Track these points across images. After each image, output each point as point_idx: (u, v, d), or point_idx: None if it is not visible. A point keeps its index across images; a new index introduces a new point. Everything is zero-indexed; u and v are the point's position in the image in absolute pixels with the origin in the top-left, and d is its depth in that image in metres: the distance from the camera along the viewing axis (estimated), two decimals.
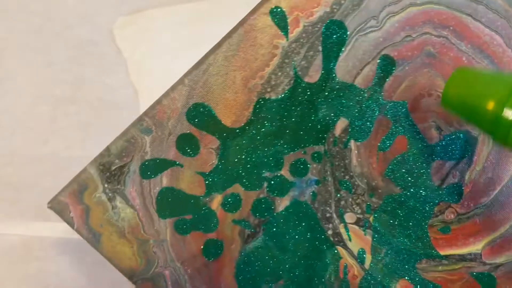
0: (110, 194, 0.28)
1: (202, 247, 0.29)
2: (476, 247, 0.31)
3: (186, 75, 0.29)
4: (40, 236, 0.44)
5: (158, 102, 0.29)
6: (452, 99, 0.24)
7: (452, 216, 0.31)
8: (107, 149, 0.28)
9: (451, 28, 0.29)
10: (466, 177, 0.31)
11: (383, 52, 0.29)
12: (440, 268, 0.31)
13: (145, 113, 0.28)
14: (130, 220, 0.28)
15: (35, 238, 0.44)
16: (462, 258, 0.32)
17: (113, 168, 0.28)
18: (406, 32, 0.29)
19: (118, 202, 0.28)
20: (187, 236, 0.28)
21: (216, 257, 0.29)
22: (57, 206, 0.28)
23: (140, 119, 0.28)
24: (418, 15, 0.29)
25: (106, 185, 0.28)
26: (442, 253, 0.31)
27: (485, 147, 0.30)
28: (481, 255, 0.31)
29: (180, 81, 0.29)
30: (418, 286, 0.31)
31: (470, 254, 0.31)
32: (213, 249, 0.29)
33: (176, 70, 0.47)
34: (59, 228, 0.44)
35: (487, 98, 0.22)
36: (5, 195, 0.45)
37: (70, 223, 0.28)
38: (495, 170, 0.30)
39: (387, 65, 0.29)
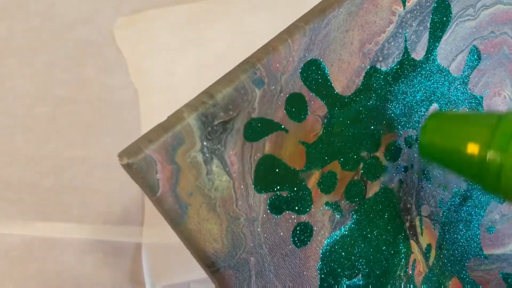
0: (207, 155, 0.21)
1: (292, 231, 0.25)
2: (509, 247, 0.32)
3: (305, 21, 0.24)
4: (40, 236, 0.44)
5: (273, 47, 0.23)
6: (429, 146, 0.23)
7: (497, 216, 0.31)
8: (211, 96, 0.22)
9: None
10: None
11: (473, 43, 0.29)
12: (482, 267, 0.31)
13: (257, 59, 0.22)
14: (224, 191, 0.22)
15: (35, 238, 0.44)
16: (498, 258, 0.32)
17: (216, 122, 0.21)
18: (492, 28, 0.30)
19: (215, 166, 0.22)
20: (280, 216, 0.24)
21: (304, 244, 0.25)
22: (141, 163, 0.20)
23: (252, 65, 0.22)
24: (503, 14, 0.30)
25: (205, 143, 0.21)
26: (486, 252, 0.31)
27: None
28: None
29: (299, 28, 0.24)
30: (468, 286, 0.31)
31: (504, 254, 0.32)
32: (303, 235, 0.25)
33: (176, 70, 0.47)
34: (59, 228, 0.45)
35: (467, 141, 0.20)
36: (5, 195, 0.44)
37: (153, 188, 0.20)
38: None
39: (475, 57, 0.30)
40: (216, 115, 0.21)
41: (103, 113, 0.45)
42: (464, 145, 0.21)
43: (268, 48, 0.23)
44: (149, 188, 0.20)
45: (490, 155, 0.19)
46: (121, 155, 0.20)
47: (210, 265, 0.23)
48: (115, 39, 0.46)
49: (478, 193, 0.31)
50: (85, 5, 0.46)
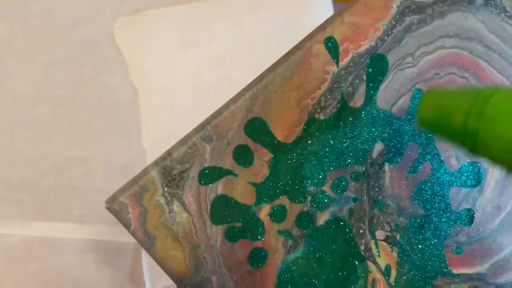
0: (168, 198, 0.28)
1: (248, 255, 0.30)
2: (482, 267, 0.34)
3: (246, 90, 0.30)
4: (40, 236, 0.44)
5: (220, 112, 0.30)
6: (425, 118, 0.26)
7: (464, 238, 0.34)
8: (169, 153, 0.29)
9: (472, 71, 0.34)
10: (477, 203, 0.34)
11: (416, 86, 0.33)
12: (452, 286, 0.34)
13: (207, 122, 0.29)
14: (185, 225, 0.29)
15: (35, 238, 0.44)
16: (470, 277, 0.34)
17: (174, 172, 0.28)
18: (436, 70, 0.33)
19: (175, 206, 0.28)
20: (236, 243, 0.30)
21: (260, 266, 0.30)
22: (116, 207, 0.28)
23: (202, 127, 0.29)
24: (446, 57, 0.33)
25: (166, 189, 0.28)
26: (454, 271, 0.34)
27: (494, 178, 0.34)
28: (486, 275, 0.34)
29: (241, 95, 0.30)
30: None
31: (477, 273, 0.34)
32: (258, 257, 0.30)
33: (176, 70, 0.47)
34: (59, 228, 0.45)
35: (453, 113, 0.24)
36: (5, 195, 0.45)
37: (127, 225, 0.28)
38: (501, 199, 0.34)
39: (419, 97, 0.33)
40: (174, 167, 0.29)
41: (103, 113, 0.45)
42: (450, 116, 0.24)
43: (216, 114, 0.29)
44: (124, 224, 0.28)
45: (469, 122, 0.23)
46: (105, 201, 0.28)
47: (178, 283, 0.29)
48: (115, 39, 0.46)
49: (439, 217, 0.34)
50: (85, 5, 0.46)
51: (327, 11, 0.48)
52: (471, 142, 0.23)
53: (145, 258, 0.45)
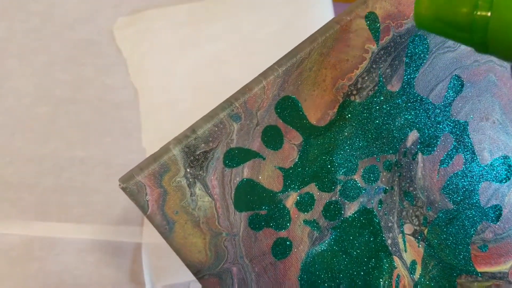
0: (190, 180, 0.25)
1: (272, 245, 0.28)
2: (505, 266, 0.33)
3: (279, 64, 0.27)
4: (40, 236, 0.44)
5: (249, 88, 0.27)
6: (424, 14, 0.23)
7: (490, 235, 0.32)
8: (193, 130, 0.26)
9: None
10: (506, 199, 0.32)
11: (454, 72, 0.31)
12: (475, 284, 0.32)
13: (235, 98, 0.26)
14: (207, 210, 0.26)
15: (36, 238, 0.44)
16: (493, 275, 0.33)
17: (198, 152, 0.25)
18: (475, 58, 0.31)
19: (198, 189, 0.26)
20: (260, 232, 0.27)
21: (284, 257, 0.28)
22: (133, 187, 0.25)
23: (230, 104, 0.26)
24: None
25: (188, 170, 0.25)
26: (478, 270, 0.32)
27: None
28: (508, 274, 0.33)
29: (273, 70, 0.27)
30: None
31: (500, 272, 0.33)
32: (282, 248, 0.28)
33: (176, 69, 0.47)
34: (59, 228, 0.45)
35: (458, 3, 0.21)
36: (5, 195, 0.45)
37: (144, 208, 0.25)
38: None
39: (457, 85, 0.31)
40: (198, 146, 0.25)
41: (103, 113, 0.45)
42: (455, 7, 0.22)
43: (245, 89, 0.26)
44: (141, 207, 0.25)
45: (477, 13, 0.20)
46: (119, 180, 0.25)
47: (196, 273, 0.26)
48: (114, 39, 0.46)
49: (468, 212, 0.32)
50: (85, 5, 0.46)
51: (327, 11, 0.48)
52: (481, 35, 0.21)
53: (145, 258, 0.45)
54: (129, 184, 0.25)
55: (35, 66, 0.46)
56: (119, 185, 0.25)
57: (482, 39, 0.21)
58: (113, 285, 0.45)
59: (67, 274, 0.44)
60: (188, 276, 0.45)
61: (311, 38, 0.28)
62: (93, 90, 0.46)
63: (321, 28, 0.28)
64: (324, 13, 0.48)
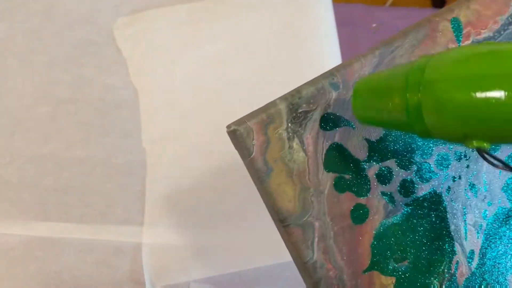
0: (290, 134, 0.29)
1: (351, 209, 0.30)
2: None
3: (377, 47, 0.31)
4: (40, 236, 0.44)
5: (350, 64, 0.30)
6: (361, 111, 0.26)
7: None
8: (298, 91, 0.29)
9: None
10: None
11: None
12: None
13: (336, 69, 0.30)
14: (300, 164, 0.29)
15: (35, 238, 0.44)
16: None
17: (300, 110, 0.29)
18: None
19: (295, 143, 0.29)
20: (342, 194, 0.30)
21: (361, 223, 0.30)
22: (243, 131, 0.28)
23: (331, 74, 0.30)
24: None
25: (289, 124, 0.29)
26: None
27: None
28: None
29: (371, 52, 0.31)
30: None
31: None
32: (360, 214, 0.30)
33: (176, 69, 0.47)
34: (59, 228, 0.45)
35: (390, 94, 0.23)
36: (5, 195, 0.45)
37: (249, 151, 0.28)
38: None
39: None
40: (300, 105, 0.29)
41: (103, 113, 0.45)
42: (387, 98, 0.24)
43: (346, 63, 0.30)
44: (246, 150, 0.28)
45: (409, 97, 0.22)
46: (229, 125, 0.28)
47: (283, 220, 0.28)
48: (115, 39, 0.46)
49: None
50: (85, 5, 0.46)
51: (327, 11, 0.48)
52: (417, 118, 0.22)
53: (145, 258, 0.45)
54: (240, 127, 0.27)
55: (35, 66, 0.46)
56: (229, 128, 0.27)
57: (419, 123, 0.22)
58: (113, 285, 0.45)
59: (67, 274, 0.44)
60: (188, 276, 0.45)
61: (405, 31, 0.31)
62: (93, 90, 0.46)
63: (414, 24, 0.32)
64: (324, 13, 0.48)
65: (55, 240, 0.44)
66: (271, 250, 0.43)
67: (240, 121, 0.28)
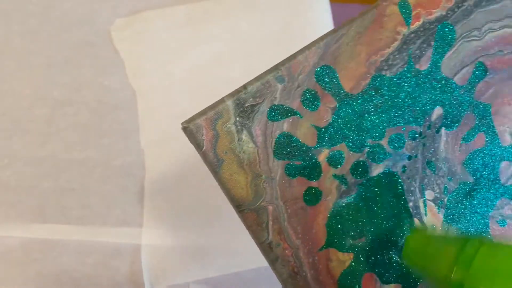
0: (239, 127, 0.31)
1: (303, 192, 0.32)
2: None
3: (321, 38, 0.32)
4: (39, 238, 0.44)
5: (294, 56, 0.32)
6: (411, 258, 0.28)
7: (509, 212, 0.36)
8: (245, 87, 0.31)
9: None
10: None
11: (479, 59, 0.35)
12: None
13: (282, 63, 0.31)
14: (250, 154, 0.31)
15: (34, 240, 0.44)
16: None
17: (247, 104, 0.31)
18: (500, 47, 0.35)
19: (244, 135, 0.31)
20: (294, 179, 0.32)
21: (313, 204, 0.32)
22: (192, 128, 0.30)
23: (276, 68, 0.31)
24: (511, 37, 0.36)
25: (237, 118, 0.31)
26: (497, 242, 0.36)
27: None
28: None
29: (315, 43, 0.32)
30: None
31: None
32: (312, 196, 0.32)
33: (174, 71, 0.47)
34: (58, 230, 0.45)
35: (438, 260, 0.25)
36: (3, 197, 0.45)
37: (200, 145, 0.30)
38: None
39: (481, 70, 0.35)
40: (247, 100, 0.31)
41: (101, 115, 0.45)
42: (435, 262, 0.26)
43: (291, 56, 0.32)
44: (197, 144, 0.30)
45: (454, 274, 0.24)
46: (183, 123, 0.30)
47: (238, 206, 0.31)
48: (112, 40, 0.46)
49: (487, 187, 0.35)
50: (82, 6, 0.46)
51: (324, 11, 0.48)
52: None
53: (144, 260, 0.45)
54: (190, 124, 0.30)
55: (33, 68, 0.46)
56: (182, 126, 0.30)
57: None
58: (112, 286, 0.45)
59: (66, 276, 0.44)
60: (188, 277, 0.45)
61: (351, 19, 0.33)
62: (91, 91, 0.46)
63: (360, 12, 0.33)
64: (322, 14, 0.48)
65: (53, 242, 0.44)
66: None
67: (191, 119, 0.30)
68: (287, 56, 0.31)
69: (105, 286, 0.45)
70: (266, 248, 0.31)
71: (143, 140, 0.46)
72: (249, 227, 0.31)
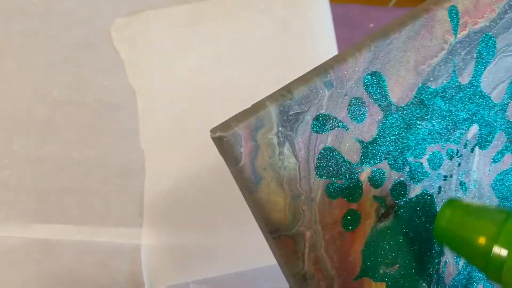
0: (281, 139, 0.26)
1: (343, 215, 0.29)
2: None
3: (371, 39, 0.29)
4: (39, 238, 0.44)
5: (343, 58, 0.28)
6: (443, 232, 0.25)
7: None
8: (289, 91, 0.26)
9: None
10: None
11: None
12: None
13: (329, 65, 0.27)
14: (291, 171, 0.26)
15: (34, 240, 0.44)
16: None
17: (291, 112, 0.26)
18: None
19: (286, 149, 0.26)
20: (334, 201, 0.28)
21: (351, 229, 0.29)
22: (230, 137, 0.24)
23: (325, 70, 0.27)
24: None
25: (280, 128, 0.26)
26: None
27: None
28: None
29: (366, 44, 0.29)
30: None
31: None
32: (351, 220, 0.29)
33: (174, 71, 0.47)
34: (58, 230, 0.45)
35: (476, 233, 0.23)
36: (4, 197, 0.44)
37: (237, 159, 0.25)
38: None
39: None
40: (292, 107, 0.26)
41: (101, 115, 0.45)
42: (473, 236, 0.23)
43: (339, 58, 0.27)
44: (234, 158, 0.25)
45: (495, 249, 0.21)
46: (213, 130, 0.24)
47: (273, 232, 0.26)
48: (112, 41, 0.46)
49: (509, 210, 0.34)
50: (83, 7, 0.46)
51: (324, 12, 0.48)
52: (495, 270, 0.21)
53: (144, 260, 0.45)
54: (227, 133, 0.24)
55: (33, 68, 0.46)
56: (214, 134, 0.24)
57: (495, 274, 0.22)
58: (112, 286, 0.45)
59: (66, 276, 0.44)
60: (188, 277, 0.45)
61: (401, 20, 0.29)
62: (91, 91, 0.46)
63: (409, 12, 0.30)
64: (322, 14, 0.48)
65: (53, 242, 0.44)
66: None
67: (226, 126, 0.25)
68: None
69: (105, 285, 0.44)
70: (300, 280, 0.27)
71: (143, 140, 0.46)
72: (281, 256, 0.27)
